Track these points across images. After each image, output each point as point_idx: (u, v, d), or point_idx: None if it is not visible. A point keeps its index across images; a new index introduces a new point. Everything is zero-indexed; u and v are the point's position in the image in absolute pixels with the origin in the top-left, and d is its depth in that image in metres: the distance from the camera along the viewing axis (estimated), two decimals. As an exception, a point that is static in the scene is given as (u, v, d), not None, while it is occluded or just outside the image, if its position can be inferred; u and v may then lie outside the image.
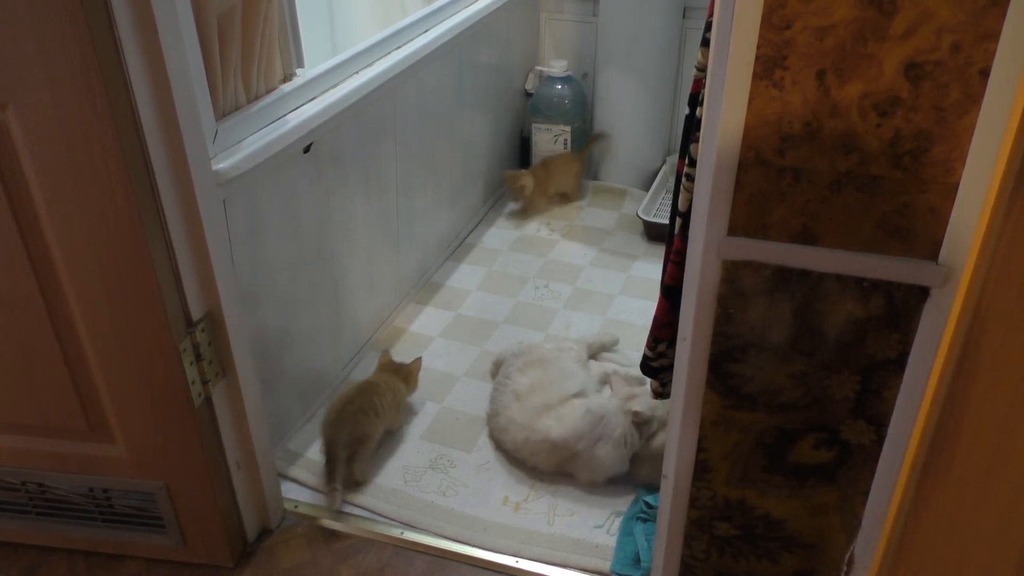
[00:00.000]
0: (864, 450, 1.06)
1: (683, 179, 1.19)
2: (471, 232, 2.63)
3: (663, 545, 1.25)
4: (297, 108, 1.55)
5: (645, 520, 1.55)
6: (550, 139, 2.80)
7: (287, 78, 1.57)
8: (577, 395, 1.72)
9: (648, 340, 1.38)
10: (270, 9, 1.44)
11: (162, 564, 1.50)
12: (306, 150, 1.61)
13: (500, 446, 1.75)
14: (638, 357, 1.45)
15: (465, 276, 2.40)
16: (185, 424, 1.32)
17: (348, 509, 1.62)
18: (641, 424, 1.62)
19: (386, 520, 1.60)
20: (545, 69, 2.80)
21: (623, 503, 1.62)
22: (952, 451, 0.81)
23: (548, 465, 1.67)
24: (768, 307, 0.98)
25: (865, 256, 0.92)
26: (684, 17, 2.65)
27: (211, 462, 1.38)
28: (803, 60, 0.84)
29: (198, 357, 1.30)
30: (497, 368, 1.93)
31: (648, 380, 1.49)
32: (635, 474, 1.65)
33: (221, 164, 1.31)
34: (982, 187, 0.84)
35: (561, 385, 1.72)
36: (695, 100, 1.20)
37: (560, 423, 1.64)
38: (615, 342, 2.06)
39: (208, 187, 1.24)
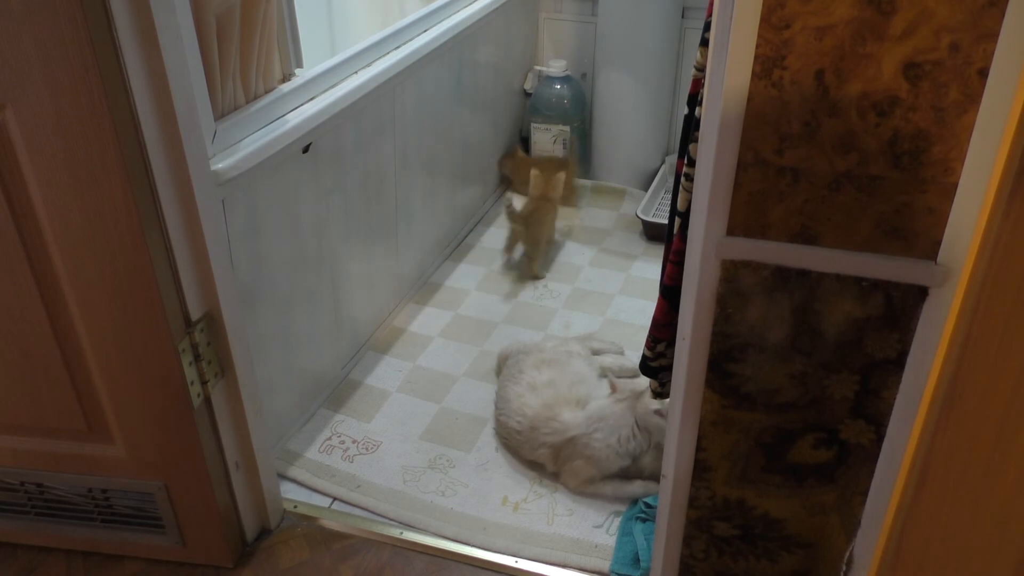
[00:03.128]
0: (863, 450, 1.06)
1: (682, 179, 1.19)
2: (470, 232, 2.63)
3: (662, 545, 1.25)
4: (296, 108, 1.55)
5: (644, 520, 1.55)
6: (549, 139, 2.80)
7: (286, 78, 1.57)
8: (589, 398, 1.77)
9: (647, 340, 1.38)
10: (269, 9, 1.44)
11: (161, 564, 1.50)
12: (305, 150, 1.61)
13: (504, 435, 1.75)
14: (637, 357, 1.45)
15: (464, 276, 2.40)
16: (184, 424, 1.32)
17: (348, 509, 1.62)
18: (651, 426, 1.62)
19: (385, 520, 1.60)
20: (544, 69, 2.80)
21: (622, 503, 1.62)
22: (951, 450, 0.81)
23: (547, 455, 1.67)
24: (767, 307, 0.98)
25: (864, 256, 0.92)
26: (683, 17, 2.65)
27: (210, 462, 1.38)
28: (802, 60, 0.84)
29: (197, 357, 1.29)
30: (501, 364, 1.93)
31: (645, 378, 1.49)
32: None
33: (220, 164, 1.31)
34: (981, 187, 0.84)
35: (575, 387, 1.77)
36: (694, 100, 1.20)
37: (574, 416, 1.68)
38: (619, 351, 2.05)
39: (207, 187, 1.24)
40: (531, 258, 2.39)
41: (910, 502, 0.86)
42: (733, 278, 0.97)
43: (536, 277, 2.39)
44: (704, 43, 1.12)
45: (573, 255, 2.51)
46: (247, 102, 1.45)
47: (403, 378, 1.97)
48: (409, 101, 2.04)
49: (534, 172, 2.45)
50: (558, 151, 2.81)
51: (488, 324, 2.18)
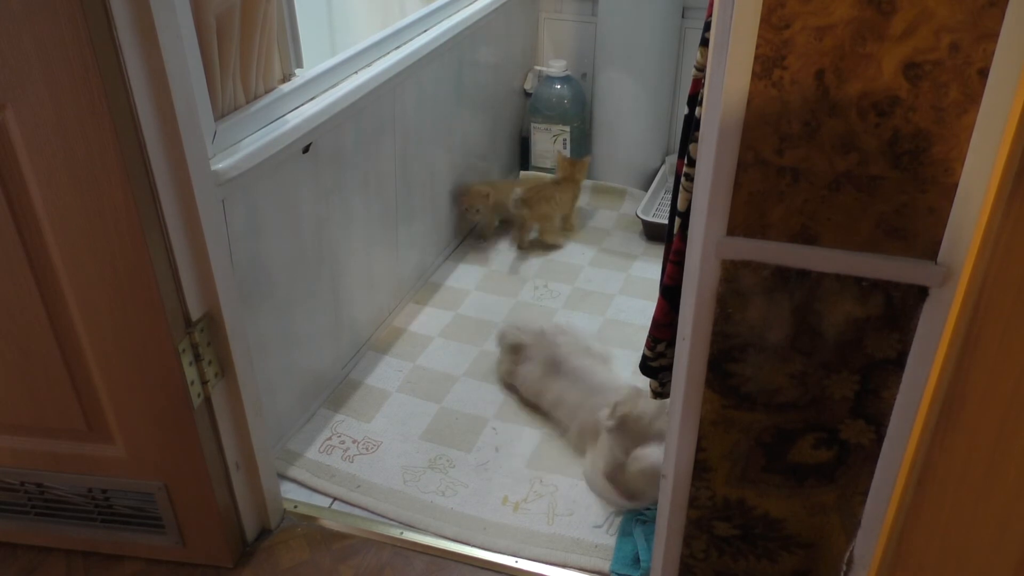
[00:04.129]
0: (863, 450, 1.06)
1: (682, 179, 1.19)
2: (470, 232, 2.63)
3: (662, 545, 1.25)
4: (296, 108, 1.55)
5: (644, 520, 1.55)
6: (549, 139, 2.80)
7: (286, 78, 1.57)
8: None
9: (647, 340, 1.38)
10: (269, 9, 1.44)
11: (161, 564, 1.50)
12: (305, 150, 1.61)
13: (526, 388, 1.83)
14: (637, 357, 1.45)
15: (464, 276, 2.40)
16: (184, 424, 1.32)
17: (348, 509, 1.62)
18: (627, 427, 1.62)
19: (385, 520, 1.60)
20: (544, 69, 2.80)
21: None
22: (951, 451, 0.81)
23: (575, 417, 1.72)
24: (767, 307, 0.98)
25: (864, 256, 0.92)
26: (683, 17, 2.65)
27: (210, 462, 1.38)
28: (802, 60, 0.84)
29: (197, 357, 1.29)
30: (503, 339, 1.93)
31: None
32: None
33: (220, 164, 1.31)
34: (981, 187, 0.84)
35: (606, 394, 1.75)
36: (694, 100, 1.20)
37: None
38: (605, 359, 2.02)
39: (207, 187, 1.24)
40: (545, 232, 2.53)
41: (910, 502, 0.86)
42: (733, 278, 0.97)
43: (554, 245, 2.55)
44: (704, 43, 1.12)
45: (573, 255, 2.51)
46: (247, 102, 1.45)
47: (403, 378, 1.97)
48: (409, 101, 2.04)
49: (560, 155, 2.65)
50: (558, 150, 2.80)
51: (488, 324, 2.18)
